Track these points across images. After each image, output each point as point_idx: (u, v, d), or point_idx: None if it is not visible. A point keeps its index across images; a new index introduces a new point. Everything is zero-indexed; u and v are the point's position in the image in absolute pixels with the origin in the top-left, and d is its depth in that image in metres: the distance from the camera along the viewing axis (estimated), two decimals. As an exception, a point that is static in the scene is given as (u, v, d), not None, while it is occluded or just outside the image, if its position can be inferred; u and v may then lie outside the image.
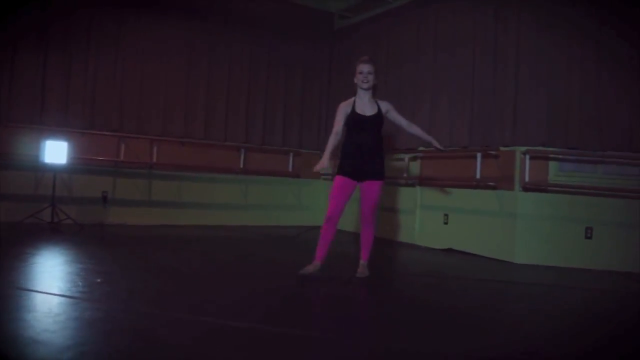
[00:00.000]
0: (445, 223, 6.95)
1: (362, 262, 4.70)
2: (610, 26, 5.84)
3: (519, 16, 6.23)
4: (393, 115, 4.66)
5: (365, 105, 4.52)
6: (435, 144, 4.75)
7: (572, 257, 5.95)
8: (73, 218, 6.92)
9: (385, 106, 4.62)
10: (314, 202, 8.94)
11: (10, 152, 6.86)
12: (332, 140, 4.48)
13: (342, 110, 4.51)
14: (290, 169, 8.66)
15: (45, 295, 3.44)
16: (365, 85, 4.48)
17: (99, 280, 3.95)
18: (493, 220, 6.37)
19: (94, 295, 3.49)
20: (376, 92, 4.65)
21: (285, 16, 8.63)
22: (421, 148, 7.25)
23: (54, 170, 6.83)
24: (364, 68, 4.48)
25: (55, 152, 6.79)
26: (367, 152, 4.48)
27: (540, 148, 6.02)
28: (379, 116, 4.54)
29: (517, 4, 6.26)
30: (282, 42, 8.60)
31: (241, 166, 8.26)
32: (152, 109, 7.72)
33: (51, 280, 3.96)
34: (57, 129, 7.08)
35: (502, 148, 6.24)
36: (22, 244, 5.40)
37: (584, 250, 5.96)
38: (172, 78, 7.85)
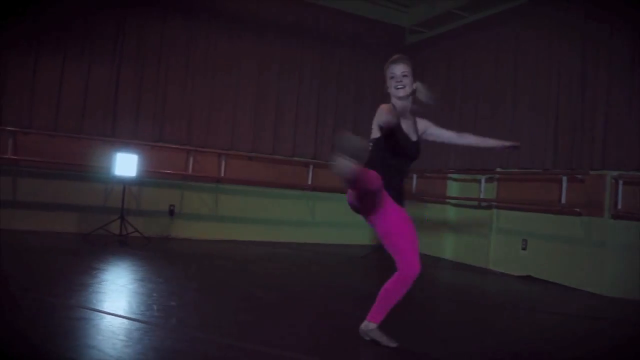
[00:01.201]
0: (524, 249, 6.54)
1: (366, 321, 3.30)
2: None
3: (609, 35, 5.81)
4: (435, 132, 3.48)
5: (408, 125, 3.34)
6: (507, 143, 3.55)
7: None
8: (140, 231, 6.91)
9: (423, 125, 3.45)
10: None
11: (82, 164, 6.94)
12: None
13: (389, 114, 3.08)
14: (357, 186, 8.40)
15: (115, 317, 3.34)
16: (401, 93, 3.26)
17: (172, 303, 3.83)
18: (578, 249, 5.92)
19: (167, 322, 3.36)
20: (415, 103, 3.38)
21: (356, 30, 8.47)
22: (498, 169, 6.89)
23: (123, 182, 6.86)
24: (396, 70, 3.29)
25: (126, 164, 6.81)
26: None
27: (635, 173, 5.56)
28: (419, 144, 3.38)
29: (607, 22, 5.83)
30: (352, 56, 8.47)
31: (309, 182, 8.09)
32: (220, 123, 7.69)
33: (121, 301, 3.87)
34: (127, 141, 7.13)
35: (591, 172, 5.80)
36: (91, 258, 5.42)
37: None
38: (242, 92, 7.80)
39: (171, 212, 7.48)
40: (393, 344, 3.17)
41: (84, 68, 7.02)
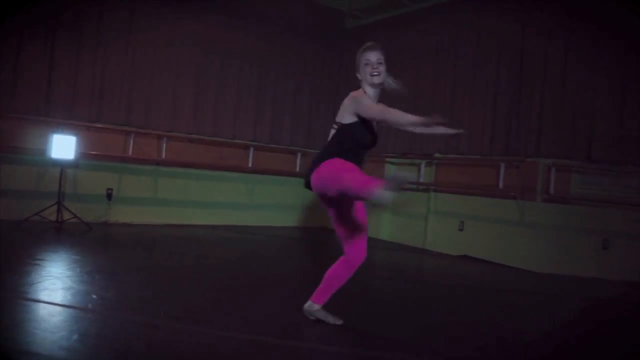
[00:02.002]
0: (461, 230, 6.99)
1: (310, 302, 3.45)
2: (632, 46, 5.95)
3: (548, 29, 6.28)
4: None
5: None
6: (451, 130, 3.66)
7: (589, 267, 6.08)
8: (80, 217, 6.62)
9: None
10: (316, 202, 8.84)
11: (12, 146, 6.50)
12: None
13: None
14: (297, 169, 8.53)
15: (55, 307, 3.27)
16: (376, 80, 3.23)
17: (112, 292, 3.79)
18: (512, 229, 6.43)
19: (104, 306, 3.36)
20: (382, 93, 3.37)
21: (296, 13, 8.46)
22: (437, 154, 7.26)
23: (61, 165, 6.52)
24: (372, 56, 3.23)
25: (63, 146, 6.47)
26: None
27: (565, 161, 6.11)
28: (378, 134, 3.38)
29: (546, 16, 6.30)
30: (292, 39, 8.47)
31: (250, 165, 8.09)
32: (161, 104, 7.47)
33: (60, 291, 3.71)
34: (62, 122, 6.76)
35: (528, 159, 6.29)
36: (28, 247, 5.18)
37: (601, 260, 6.09)
38: (183, 73, 7.61)
39: (109, 196, 7.21)
40: (339, 322, 3.34)
41: (13, 43, 6.53)
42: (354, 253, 3.30)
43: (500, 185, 6.44)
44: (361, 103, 3.13)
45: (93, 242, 5.92)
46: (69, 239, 5.85)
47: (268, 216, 8.40)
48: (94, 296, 3.57)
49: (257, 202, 8.35)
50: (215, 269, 5.08)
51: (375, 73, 3.22)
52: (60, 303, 3.38)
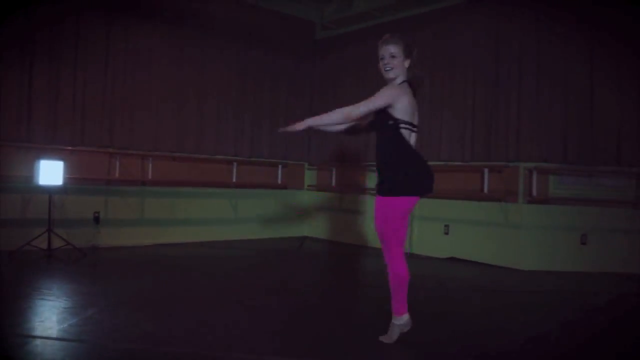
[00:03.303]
0: (446, 233, 7.32)
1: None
2: (603, 50, 6.43)
3: (521, 37, 6.67)
4: None
5: None
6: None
7: (570, 262, 6.54)
8: (73, 243, 6.50)
9: None
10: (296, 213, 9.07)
11: (-5, 174, 6.32)
12: (336, 118, 3.38)
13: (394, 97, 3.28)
14: (279, 180, 8.65)
15: (57, 342, 3.31)
16: (390, 74, 3.33)
17: (116, 320, 3.85)
18: (497, 231, 6.81)
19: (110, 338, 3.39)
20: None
21: (267, 26, 8.55)
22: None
23: (49, 192, 6.38)
24: (384, 51, 3.33)
25: (50, 172, 6.33)
26: None
27: (543, 164, 6.53)
28: None
29: (518, 24, 6.69)
30: (265, 53, 8.54)
31: (234, 180, 8.13)
32: (143, 123, 7.39)
33: (57, 323, 3.74)
34: (44, 147, 6.61)
35: (510, 164, 6.67)
36: (24, 278, 5.11)
37: (580, 255, 6.56)
38: (162, 91, 7.54)
39: (96, 220, 7.10)
40: (387, 341, 3.40)
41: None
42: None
43: (485, 189, 6.80)
44: (388, 94, 3.32)
45: (88, 269, 5.84)
46: (64, 268, 5.72)
47: (253, 229, 8.48)
48: (95, 327, 3.60)
49: (242, 216, 8.41)
50: (223, 287, 5.15)
51: (388, 67, 3.31)
52: (62, 337, 3.39)
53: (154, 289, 4.94)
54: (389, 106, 3.27)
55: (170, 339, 3.42)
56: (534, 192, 6.50)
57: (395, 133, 3.27)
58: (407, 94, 3.32)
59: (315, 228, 9.08)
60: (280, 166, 8.68)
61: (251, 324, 3.85)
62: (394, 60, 3.29)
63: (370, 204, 8.26)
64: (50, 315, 3.90)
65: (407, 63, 3.36)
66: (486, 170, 6.80)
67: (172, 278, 5.55)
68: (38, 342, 3.26)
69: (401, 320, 3.43)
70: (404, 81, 3.36)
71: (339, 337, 3.61)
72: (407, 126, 3.29)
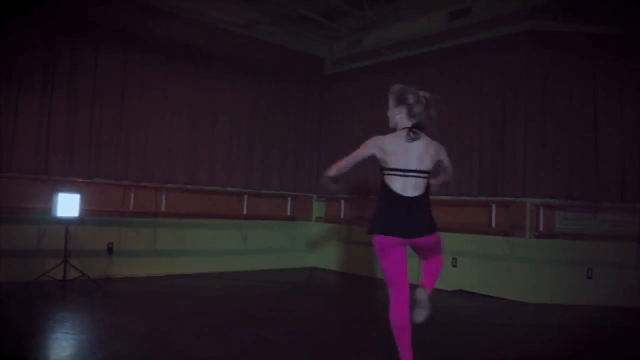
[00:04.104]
0: (454, 266, 7.44)
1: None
2: (606, 90, 6.66)
3: (525, 79, 6.90)
4: None
5: None
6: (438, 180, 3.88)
7: (576, 296, 6.66)
8: (88, 275, 6.60)
9: None
10: (307, 244, 9.22)
11: (12, 205, 6.42)
12: (332, 171, 3.61)
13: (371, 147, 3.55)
14: (288, 212, 8.79)
15: None
16: (389, 124, 3.67)
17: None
18: (504, 264, 6.94)
19: None
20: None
21: (278, 60, 8.78)
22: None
23: (66, 223, 6.50)
24: None
25: (67, 204, 6.47)
26: None
27: (549, 200, 6.69)
28: None
29: (523, 65, 6.92)
30: (276, 85, 8.77)
31: (244, 212, 8.27)
32: (157, 157, 7.55)
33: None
34: (61, 179, 6.76)
35: (517, 199, 6.83)
36: (42, 309, 5.26)
37: (586, 289, 6.68)
38: (175, 124, 7.74)
39: (110, 250, 7.21)
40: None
41: (11, 103, 6.51)
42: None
43: (493, 224, 6.95)
44: (442, 150, 3.58)
45: (104, 300, 5.97)
46: (81, 299, 5.84)
47: (263, 260, 8.61)
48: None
49: (251, 247, 8.53)
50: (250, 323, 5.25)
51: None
52: None
53: (172, 322, 5.03)
54: (374, 155, 3.48)
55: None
56: (541, 227, 6.65)
57: (382, 178, 3.48)
58: (393, 142, 3.44)
59: (324, 259, 9.19)
60: (289, 198, 8.83)
61: (270, 354, 3.95)
62: (387, 112, 3.60)
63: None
64: (77, 350, 3.99)
65: (398, 110, 3.53)
66: (494, 205, 6.96)
67: (188, 309, 5.65)
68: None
69: None
70: (404, 128, 3.47)
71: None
72: (391, 172, 3.40)
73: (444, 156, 3.60)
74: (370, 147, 3.46)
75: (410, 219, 3.39)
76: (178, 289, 6.78)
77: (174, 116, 7.71)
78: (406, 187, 3.39)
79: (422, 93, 3.51)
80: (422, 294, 3.50)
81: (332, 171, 3.55)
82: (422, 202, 3.42)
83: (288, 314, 5.73)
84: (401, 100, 3.52)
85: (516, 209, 6.86)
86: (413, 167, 3.39)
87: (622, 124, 6.66)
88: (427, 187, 3.46)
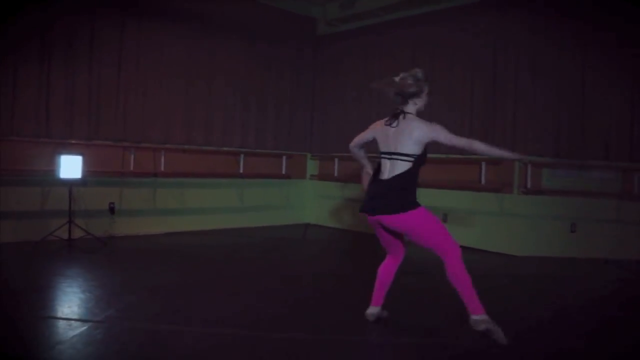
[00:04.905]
0: (445, 221, 7.74)
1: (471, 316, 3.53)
2: (595, 50, 6.83)
3: (516, 38, 7.06)
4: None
5: None
6: (515, 155, 4.31)
7: (560, 249, 7.00)
8: (92, 233, 6.84)
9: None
10: (302, 201, 9.50)
11: (15, 168, 6.57)
12: (352, 153, 4.20)
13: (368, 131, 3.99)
14: (283, 171, 9.01)
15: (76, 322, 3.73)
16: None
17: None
18: (493, 219, 7.25)
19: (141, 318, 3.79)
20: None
21: (270, 22, 8.82)
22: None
23: (69, 184, 6.68)
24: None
25: (70, 166, 6.64)
26: None
27: (537, 158, 6.96)
28: None
29: (514, 25, 7.07)
30: (268, 49, 8.84)
31: (241, 171, 8.48)
32: (154, 118, 7.69)
33: (82, 305, 4.19)
34: (63, 141, 6.90)
35: (506, 158, 7.10)
36: (52, 266, 5.55)
37: (570, 242, 7.03)
38: (172, 86, 7.84)
39: (112, 210, 7.42)
40: (504, 341, 3.38)
41: (9, 68, 6.57)
42: (449, 250, 3.59)
43: (483, 181, 7.23)
44: (443, 131, 3.51)
45: (110, 257, 6.23)
46: (88, 257, 6.10)
47: (259, 217, 8.89)
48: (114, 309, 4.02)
49: (248, 204, 8.78)
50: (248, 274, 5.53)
51: None
52: (113, 321, 3.79)
53: (177, 277, 5.31)
54: (375, 138, 3.82)
55: (213, 322, 3.81)
56: (528, 184, 6.94)
57: None
58: (376, 128, 3.78)
59: (318, 216, 9.48)
60: (284, 157, 9.03)
61: (273, 307, 4.24)
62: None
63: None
64: (95, 302, 4.24)
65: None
66: (483, 163, 7.22)
67: (191, 265, 5.95)
68: (91, 325, 3.63)
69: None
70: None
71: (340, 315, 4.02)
72: (380, 155, 3.72)
73: (438, 135, 3.51)
74: (369, 130, 3.84)
75: (373, 198, 3.62)
76: (179, 246, 7.06)
77: (170, 78, 7.80)
78: (385, 169, 3.63)
79: (418, 74, 3.67)
80: (474, 324, 3.47)
81: (351, 145, 4.01)
82: (393, 183, 3.52)
83: (286, 266, 6.02)
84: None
85: (505, 167, 7.12)
86: (391, 150, 3.59)
87: (610, 85, 6.85)
88: (410, 170, 3.52)
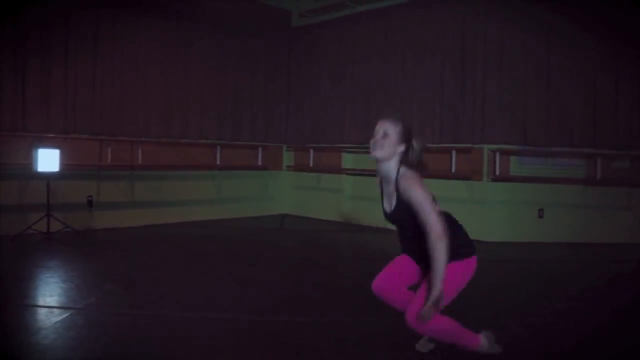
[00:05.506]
0: (418, 209, 7.95)
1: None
2: (558, 45, 7.08)
3: (485, 30, 7.28)
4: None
5: (388, 192, 2.97)
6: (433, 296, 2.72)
7: (529, 233, 7.27)
8: (71, 226, 6.91)
9: (402, 184, 2.85)
10: (279, 192, 9.64)
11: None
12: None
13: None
14: (259, 162, 9.15)
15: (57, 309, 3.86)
16: (375, 153, 2.88)
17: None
18: (464, 206, 7.47)
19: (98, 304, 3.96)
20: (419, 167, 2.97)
21: (245, 15, 8.93)
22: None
23: (47, 178, 6.74)
24: (377, 126, 2.91)
25: (47, 159, 6.70)
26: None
27: (505, 146, 7.20)
28: (400, 210, 2.88)
29: (482, 16, 7.29)
30: (244, 40, 8.94)
31: (218, 162, 8.60)
32: (130, 112, 7.75)
33: (62, 294, 4.28)
34: (39, 136, 6.94)
35: (475, 146, 7.33)
36: (31, 259, 5.59)
37: (537, 227, 7.30)
38: (149, 80, 7.90)
39: (90, 203, 7.49)
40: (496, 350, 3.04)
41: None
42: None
43: (453, 169, 7.46)
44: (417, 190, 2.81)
45: (89, 249, 6.33)
46: (66, 249, 6.20)
47: (237, 208, 9.02)
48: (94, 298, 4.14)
49: (226, 195, 8.91)
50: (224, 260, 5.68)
51: (378, 146, 2.86)
52: (94, 307, 3.91)
53: (156, 266, 5.45)
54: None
55: (189, 307, 3.96)
56: (497, 171, 7.18)
57: None
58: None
59: (294, 206, 9.64)
60: (260, 148, 9.17)
61: (249, 291, 4.40)
62: (384, 140, 2.86)
63: (346, 182, 8.87)
64: (76, 291, 4.36)
65: (400, 148, 2.90)
66: (454, 152, 7.45)
67: (169, 255, 6.10)
68: (73, 312, 3.75)
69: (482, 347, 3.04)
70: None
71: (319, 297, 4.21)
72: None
73: (410, 199, 2.81)
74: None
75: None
76: (158, 237, 7.18)
77: (146, 72, 7.87)
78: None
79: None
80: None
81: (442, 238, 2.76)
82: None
83: (263, 254, 6.18)
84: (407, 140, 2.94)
85: (475, 155, 7.35)
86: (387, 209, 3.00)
87: (573, 74, 7.11)
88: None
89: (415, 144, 2.94)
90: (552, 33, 7.09)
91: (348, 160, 8.85)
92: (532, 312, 4.16)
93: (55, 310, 3.80)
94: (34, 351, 3.06)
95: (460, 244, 2.99)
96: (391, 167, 2.91)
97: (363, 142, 8.49)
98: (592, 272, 5.79)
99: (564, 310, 4.25)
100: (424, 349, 3.21)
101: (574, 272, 5.75)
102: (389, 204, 2.95)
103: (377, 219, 8.42)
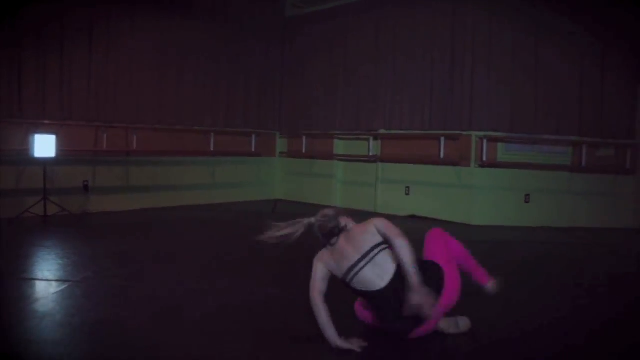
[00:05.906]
0: (407, 194, 8.14)
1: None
2: (546, 30, 7.24)
3: (473, 18, 7.43)
4: None
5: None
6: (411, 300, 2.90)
7: (515, 218, 7.45)
8: (68, 209, 7.06)
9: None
10: (272, 178, 9.81)
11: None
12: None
13: None
14: (253, 149, 9.31)
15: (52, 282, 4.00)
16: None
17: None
18: (452, 191, 7.67)
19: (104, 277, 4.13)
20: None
21: (240, 4, 9.07)
22: (382, 131, 8.32)
23: (44, 163, 6.88)
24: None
25: (44, 145, 6.84)
26: None
27: (493, 133, 7.37)
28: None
29: (472, 9, 7.44)
30: (238, 30, 9.07)
31: (212, 149, 8.75)
32: (126, 98, 7.88)
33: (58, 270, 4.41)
34: (36, 122, 7.07)
35: (464, 133, 7.50)
36: (29, 240, 5.75)
37: (524, 212, 7.49)
38: (143, 68, 8.02)
39: (86, 188, 7.63)
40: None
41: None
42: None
43: (442, 155, 7.63)
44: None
45: (86, 232, 6.46)
46: (64, 231, 6.31)
47: (231, 193, 9.20)
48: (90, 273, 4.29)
49: (219, 181, 9.07)
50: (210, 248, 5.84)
51: None
52: (99, 281, 4.08)
53: (151, 245, 5.62)
54: None
55: (182, 281, 4.12)
56: (485, 158, 7.35)
57: None
58: (323, 259, 3.34)
59: (287, 191, 9.82)
60: (253, 135, 9.32)
61: (241, 270, 4.56)
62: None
63: (337, 168, 9.04)
64: (73, 266, 4.52)
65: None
66: (443, 138, 7.62)
67: (163, 236, 6.29)
68: (71, 284, 3.92)
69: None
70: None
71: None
72: (349, 277, 3.19)
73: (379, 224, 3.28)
74: (318, 267, 3.34)
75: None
76: (153, 220, 7.33)
77: (141, 59, 7.98)
78: (374, 279, 3.14)
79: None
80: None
81: (314, 300, 3.18)
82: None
83: (255, 236, 6.33)
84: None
85: (463, 142, 7.52)
86: (358, 256, 3.18)
87: (559, 66, 7.28)
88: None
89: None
90: (539, 24, 7.25)
91: (340, 147, 9.02)
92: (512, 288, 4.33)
93: (53, 282, 3.97)
94: (34, 317, 3.22)
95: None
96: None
97: (355, 128, 8.68)
98: (573, 254, 5.97)
99: (541, 286, 4.43)
100: (449, 330, 3.24)
101: (558, 255, 5.94)
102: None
103: (366, 203, 8.68)
